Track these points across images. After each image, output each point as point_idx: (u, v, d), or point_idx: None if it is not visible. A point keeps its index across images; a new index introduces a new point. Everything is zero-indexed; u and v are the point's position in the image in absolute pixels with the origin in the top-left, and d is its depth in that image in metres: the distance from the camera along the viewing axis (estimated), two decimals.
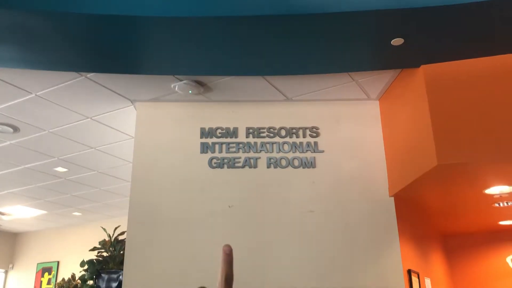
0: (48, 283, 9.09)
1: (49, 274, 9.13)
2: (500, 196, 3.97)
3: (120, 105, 4.20)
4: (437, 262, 5.22)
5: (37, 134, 4.76)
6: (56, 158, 5.46)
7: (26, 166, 5.69)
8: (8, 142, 4.96)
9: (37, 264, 9.36)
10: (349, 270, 3.65)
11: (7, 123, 4.49)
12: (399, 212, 3.89)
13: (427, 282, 4.44)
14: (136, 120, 4.16)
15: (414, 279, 3.89)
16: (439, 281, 5.02)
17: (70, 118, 4.41)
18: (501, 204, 4.26)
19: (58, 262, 9.11)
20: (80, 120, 4.47)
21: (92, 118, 4.43)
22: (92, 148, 5.17)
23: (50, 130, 4.67)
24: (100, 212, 8.14)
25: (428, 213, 4.76)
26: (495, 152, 3.16)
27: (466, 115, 3.25)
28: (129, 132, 4.71)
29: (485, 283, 5.50)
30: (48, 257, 9.23)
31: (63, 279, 5.87)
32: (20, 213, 8.09)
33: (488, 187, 3.79)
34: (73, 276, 5.75)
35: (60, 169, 5.82)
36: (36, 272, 9.31)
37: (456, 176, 3.50)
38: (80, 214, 8.23)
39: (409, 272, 3.82)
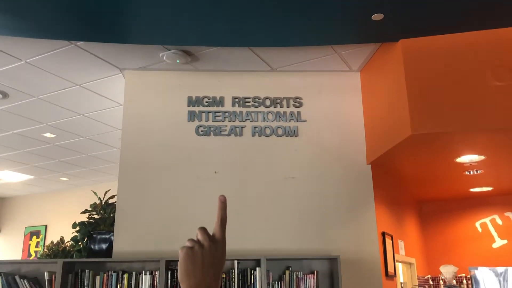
0: (37, 246, 9.27)
1: (37, 237, 9.31)
2: (470, 164, 4.22)
3: (109, 73, 4.29)
4: (411, 226, 5.53)
5: (26, 100, 4.83)
6: (44, 124, 5.54)
7: (15, 131, 5.77)
8: None
9: (25, 228, 9.50)
10: (327, 232, 3.90)
11: None
12: (375, 179, 4.13)
13: (401, 244, 4.75)
14: (125, 88, 4.27)
15: (388, 241, 4.16)
16: (412, 243, 5.35)
17: (59, 85, 4.49)
18: (471, 172, 4.52)
19: (45, 226, 9.27)
20: (69, 87, 4.55)
21: (81, 85, 4.52)
22: (80, 114, 5.26)
23: (39, 97, 4.75)
24: (87, 178, 8.27)
25: (404, 181, 5.02)
26: (465, 123, 3.38)
27: (440, 88, 3.44)
28: (117, 99, 4.81)
29: (455, 245, 5.86)
30: (35, 221, 9.38)
31: (52, 242, 6.03)
32: (7, 178, 8.18)
33: (459, 156, 4.04)
34: (62, 239, 5.88)
35: (48, 135, 5.91)
36: (24, 236, 9.47)
37: (429, 145, 3.73)
38: (67, 179, 8.35)
39: (383, 234, 4.09)
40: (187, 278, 0.76)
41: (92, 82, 4.45)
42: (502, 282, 3.29)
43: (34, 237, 9.33)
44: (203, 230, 0.80)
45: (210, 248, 0.79)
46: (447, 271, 3.54)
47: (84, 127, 5.67)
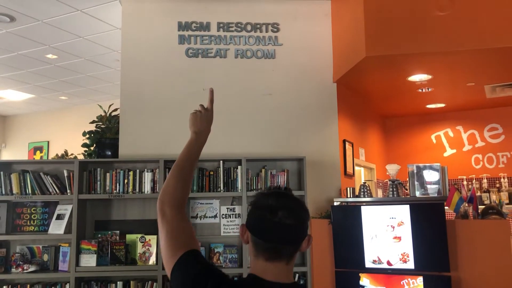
0: (40, 159, 10.10)
1: (41, 152, 10.11)
2: (421, 83, 4.94)
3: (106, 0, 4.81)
4: (373, 137, 6.37)
5: (31, 24, 5.35)
6: (47, 46, 6.08)
7: (20, 52, 6.31)
8: (4, 31, 5.54)
9: (29, 143, 10.27)
10: (296, 139, 4.70)
11: (4, 13, 5.06)
12: (340, 95, 4.86)
13: (361, 151, 5.60)
14: (122, 14, 4.81)
15: (348, 147, 4.99)
16: (373, 152, 6.22)
17: (62, 10, 5.01)
18: (424, 90, 5.26)
19: (48, 141, 10.04)
20: (71, 12, 5.07)
21: (82, 10, 5.04)
22: (80, 37, 5.80)
23: (44, 20, 5.27)
24: (84, 97, 8.90)
25: (368, 98, 5.76)
26: (413, 47, 4.04)
27: (393, 15, 4.06)
28: (114, 23, 5.35)
29: (412, 155, 6.76)
30: (38, 137, 10.13)
31: (57, 155, 6.78)
32: (10, 97, 8.79)
33: (410, 75, 4.74)
34: (65, 151, 6.61)
35: (50, 56, 6.46)
36: (28, 151, 10.26)
37: (382, 66, 4.42)
38: (66, 98, 8.98)
39: (344, 141, 4.90)
40: (193, 126, 1.57)
41: (92, 8, 4.97)
42: (429, 175, 4.15)
43: (38, 151, 10.13)
44: (201, 105, 1.58)
45: (205, 113, 1.60)
46: (391, 169, 4.37)
47: (83, 48, 6.23)
